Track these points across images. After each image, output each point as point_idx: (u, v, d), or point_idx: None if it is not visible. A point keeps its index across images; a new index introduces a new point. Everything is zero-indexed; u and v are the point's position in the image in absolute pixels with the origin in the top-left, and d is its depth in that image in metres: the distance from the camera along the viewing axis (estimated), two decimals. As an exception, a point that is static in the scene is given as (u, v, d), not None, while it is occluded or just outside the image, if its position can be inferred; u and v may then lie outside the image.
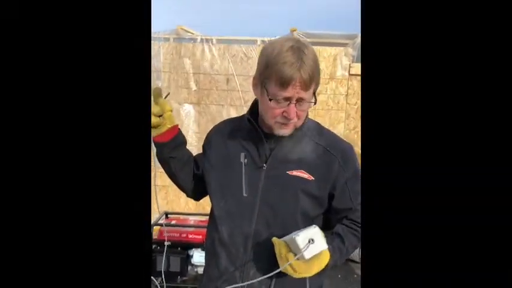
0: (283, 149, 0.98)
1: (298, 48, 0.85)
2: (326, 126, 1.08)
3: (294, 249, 0.84)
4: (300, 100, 0.87)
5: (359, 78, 4.15)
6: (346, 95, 4.18)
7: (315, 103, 0.91)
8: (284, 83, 0.83)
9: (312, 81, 0.86)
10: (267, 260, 0.93)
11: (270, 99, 0.88)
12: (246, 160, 0.98)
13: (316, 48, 4.26)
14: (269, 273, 0.94)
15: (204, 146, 1.12)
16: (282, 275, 0.90)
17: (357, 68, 4.12)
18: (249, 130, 1.01)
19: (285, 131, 0.93)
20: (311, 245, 0.80)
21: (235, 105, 4.18)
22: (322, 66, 4.25)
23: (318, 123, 1.07)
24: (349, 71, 4.14)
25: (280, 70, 0.82)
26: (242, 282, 0.97)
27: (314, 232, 0.83)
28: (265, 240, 0.93)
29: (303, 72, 0.82)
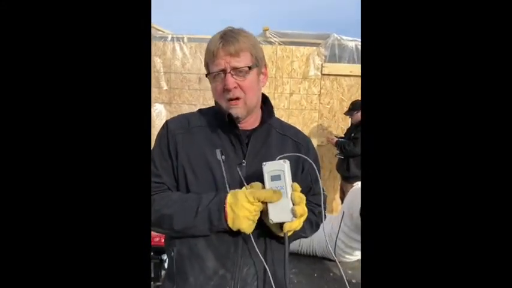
0: (257, 144, 1.00)
1: (225, 30, 0.94)
2: (300, 126, 1.15)
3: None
4: (235, 69, 0.91)
5: (332, 78, 4.19)
6: (319, 95, 4.21)
7: (250, 68, 0.93)
8: (212, 56, 0.92)
9: (240, 50, 0.91)
10: (258, 255, 0.91)
11: (207, 75, 0.97)
12: (223, 157, 0.95)
13: (288, 47, 4.29)
14: (264, 267, 0.93)
15: (169, 150, 1.01)
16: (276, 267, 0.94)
17: (330, 68, 4.15)
18: (218, 126, 1.00)
19: (238, 110, 0.94)
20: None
21: (208, 105, 4.11)
22: (295, 66, 4.27)
23: (278, 118, 1.13)
24: (321, 71, 4.17)
25: (208, 47, 0.94)
26: (234, 284, 0.94)
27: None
28: (255, 235, 0.90)
29: (225, 42, 0.91)
